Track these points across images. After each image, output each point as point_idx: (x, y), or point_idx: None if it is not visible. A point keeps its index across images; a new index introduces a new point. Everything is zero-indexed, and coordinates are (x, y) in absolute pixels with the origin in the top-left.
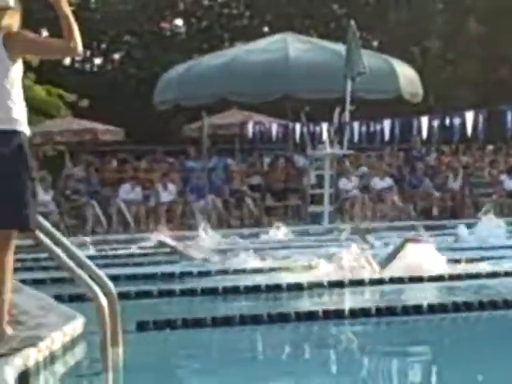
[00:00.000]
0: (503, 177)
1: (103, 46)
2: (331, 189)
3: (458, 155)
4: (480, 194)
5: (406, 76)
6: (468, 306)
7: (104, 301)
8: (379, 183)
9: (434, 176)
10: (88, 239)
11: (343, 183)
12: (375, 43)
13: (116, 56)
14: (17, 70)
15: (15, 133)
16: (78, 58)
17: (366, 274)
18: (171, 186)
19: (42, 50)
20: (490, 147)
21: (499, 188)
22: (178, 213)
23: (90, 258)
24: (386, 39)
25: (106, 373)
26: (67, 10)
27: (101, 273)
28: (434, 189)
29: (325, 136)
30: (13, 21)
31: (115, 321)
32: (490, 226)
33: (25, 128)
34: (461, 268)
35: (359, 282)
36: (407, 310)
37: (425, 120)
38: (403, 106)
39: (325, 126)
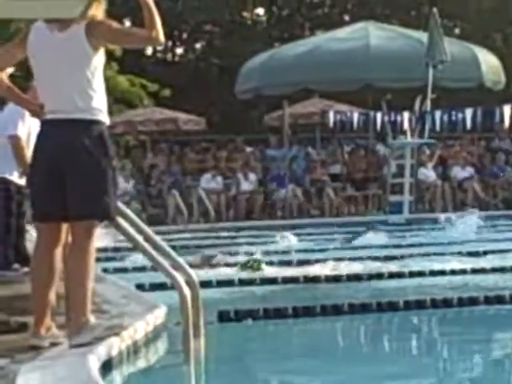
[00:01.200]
0: None
1: (184, 35)
2: (411, 178)
3: None
4: None
5: (489, 63)
6: None
7: (187, 290)
8: (460, 172)
9: None
10: None
11: (423, 173)
12: (457, 31)
13: (197, 46)
14: (99, 59)
15: (96, 122)
16: (159, 48)
17: None
18: (252, 176)
19: (124, 40)
20: None
21: None
22: (259, 202)
23: None
24: (468, 26)
25: (188, 364)
26: None
27: (183, 262)
28: None
29: (406, 125)
30: (98, 11)
31: (197, 311)
32: None
33: (105, 117)
34: None
35: None
36: None
37: (507, 108)
38: (485, 94)
39: (406, 114)
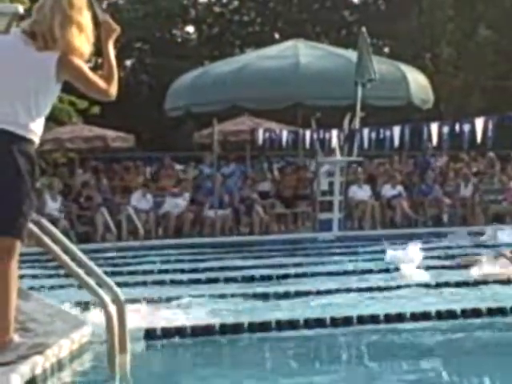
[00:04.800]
0: None
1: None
2: (341, 196)
3: (469, 162)
4: (490, 200)
5: (417, 82)
6: None
7: (112, 308)
8: (389, 190)
9: (444, 183)
10: None
11: (353, 190)
12: (386, 50)
13: (127, 63)
14: (56, 90)
15: (29, 141)
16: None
17: None
18: (182, 193)
19: (83, 84)
20: (501, 153)
21: (509, 195)
22: (189, 220)
23: None
24: (397, 46)
25: (113, 381)
26: (112, 54)
27: (109, 280)
28: (445, 196)
29: (335, 143)
30: (78, 40)
31: (123, 328)
32: None
33: (37, 141)
34: None
35: None
36: None
37: (435, 126)
38: (414, 113)
39: (335, 132)
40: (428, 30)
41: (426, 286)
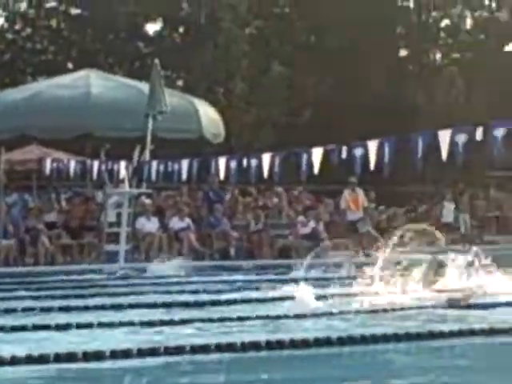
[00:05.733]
0: (300, 218)
1: None
2: (129, 227)
3: (257, 196)
4: (277, 235)
5: (209, 116)
6: None
7: None
8: (177, 223)
9: (232, 216)
10: None
11: (141, 222)
12: (180, 83)
13: None
14: None
15: None
16: None
17: None
18: None
19: None
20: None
21: (295, 229)
22: None
23: None
24: (191, 79)
25: None
26: None
27: None
28: (232, 229)
29: (123, 174)
30: None
31: None
32: None
33: None
34: None
35: None
36: None
37: (222, 160)
38: (205, 146)
39: (124, 164)
40: (222, 65)
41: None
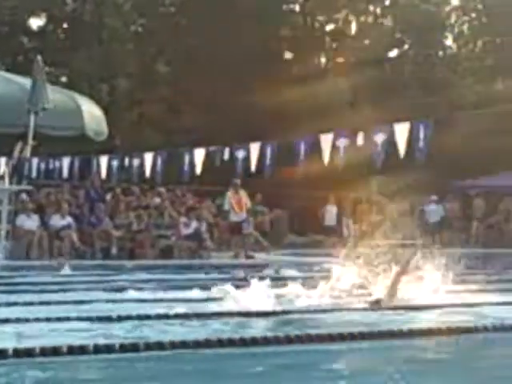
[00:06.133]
0: (182, 219)
1: None
2: (9, 224)
3: (139, 196)
4: (159, 235)
5: (92, 114)
6: None
7: None
8: (58, 221)
9: (114, 215)
10: None
11: (21, 219)
12: (63, 79)
13: None
14: None
15: None
16: None
17: None
18: None
19: None
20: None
21: (178, 230)
22: None
23: None
24: (75, 76)
25: None
26: None
27: None
28: (114, 228)
29: (3, 170)
30: None
31: None
32: None
33: None
34: None
35: None
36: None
37: (104, 159)
38: (89, 144)
39: (3, 160)
40: (106, 62)
41: None
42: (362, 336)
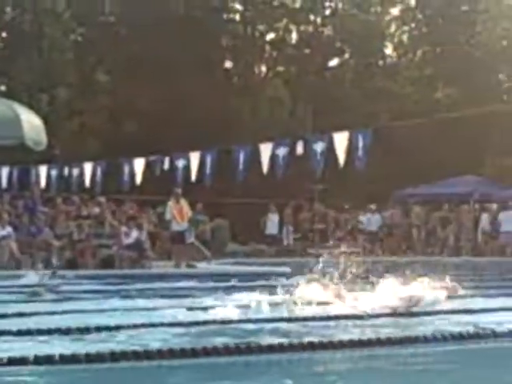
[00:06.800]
0: (123, 228)
1: None
2: None
3: (80, 205)
4: (100, 244)
5: (31, 123)
6: None
7: None
8: None
9: (54, 225)
10: None
11: None
12: (3, 88)
13: None
14: None
15: None
16: None
17: None
18: None
19: None
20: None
21: (119, 240)
22: None
23: None
24: (14, 85)
25: None
26: None
27: None
28: (55, 238)
29: None
30: None
31: None
32: None
33: None
34: None
35: None
36: None
37: (43, 169)
38: (28, 154)
39: None
40: (46, 71)
41: None
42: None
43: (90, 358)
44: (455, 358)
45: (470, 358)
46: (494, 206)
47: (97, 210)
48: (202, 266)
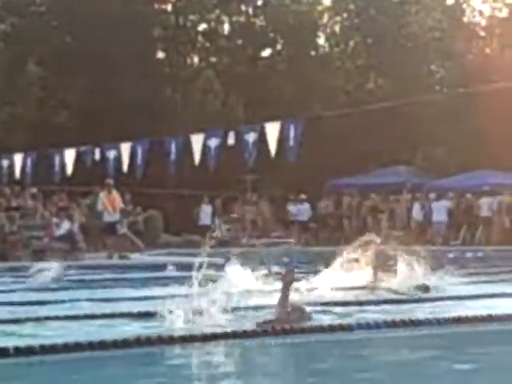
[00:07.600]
0: (55, 220)
1: None
2: None
3: (11, 197)
4: (31, 236)
5: None
6: None
7: None
8: None
9: None
10: None
11: None
12: None
13: None
14: None
15: None
16: None
17: None
18: None
19: None
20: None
21: (50, 231)
22: None
23: None
24: None
25: None
26: None
27: None
28: None
29: None
30: None
31: None
32: None
33: None
34: None
35: None
36: None
37: None
38: None
39: None
40: None
41: None
42: None
43: None
44: None
45: None
46: (427, 196)
47: (28, 201)
48: (135, 257)
